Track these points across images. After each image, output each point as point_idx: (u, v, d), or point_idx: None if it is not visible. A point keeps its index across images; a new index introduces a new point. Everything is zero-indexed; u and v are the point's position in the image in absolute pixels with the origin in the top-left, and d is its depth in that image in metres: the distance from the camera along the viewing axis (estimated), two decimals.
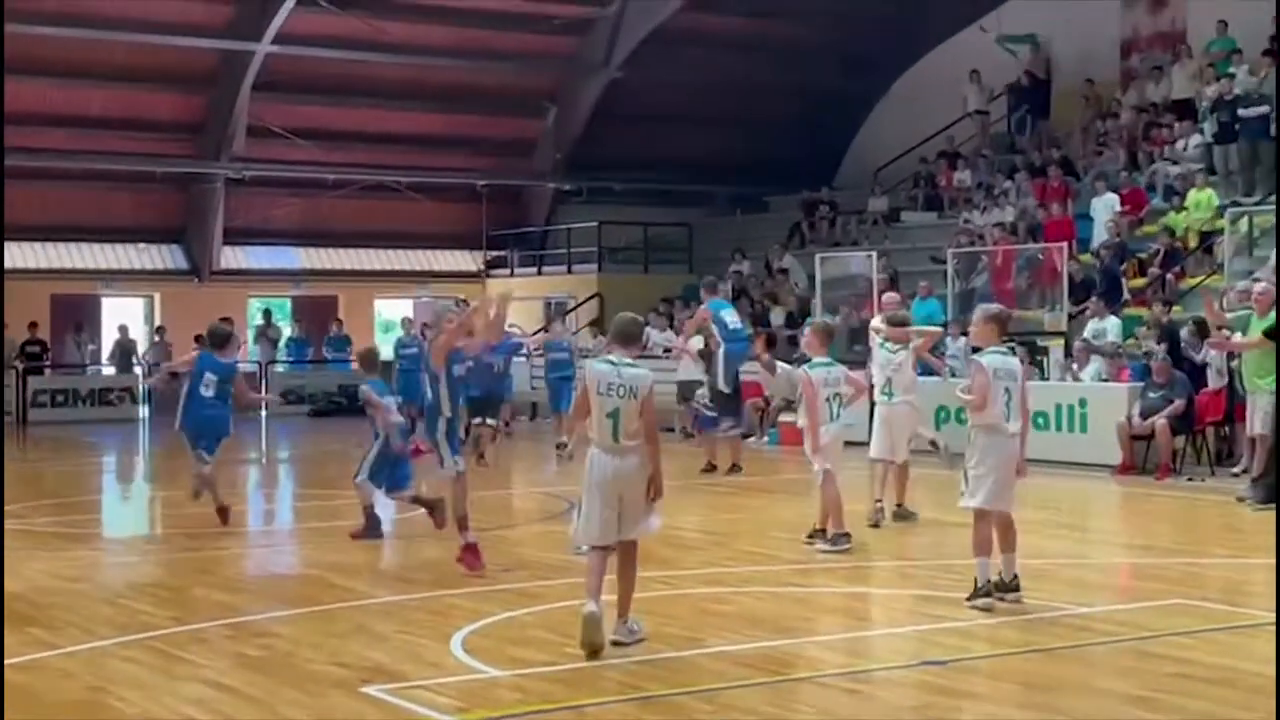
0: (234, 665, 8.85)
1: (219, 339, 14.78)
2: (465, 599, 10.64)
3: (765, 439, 22.93)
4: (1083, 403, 19.32)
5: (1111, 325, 20.97)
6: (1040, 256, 23.02)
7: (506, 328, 23.92)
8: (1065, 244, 22.85)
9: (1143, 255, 23.63)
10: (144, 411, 30.28)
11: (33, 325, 30.25)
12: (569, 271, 33.49)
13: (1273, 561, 11.13)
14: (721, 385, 18.48)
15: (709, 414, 19.15)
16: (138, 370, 31.09)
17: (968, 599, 10.14)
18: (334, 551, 13.08)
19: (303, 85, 31.40)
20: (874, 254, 24.75)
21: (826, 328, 13.67)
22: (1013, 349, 11.27)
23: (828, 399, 12.66)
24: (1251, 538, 13.55)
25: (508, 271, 35.11)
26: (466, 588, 11.04)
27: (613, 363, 9.07)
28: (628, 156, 33.49)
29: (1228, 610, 10.35)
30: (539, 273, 34.61)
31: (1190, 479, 17.83)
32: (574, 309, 32.85)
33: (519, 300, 27.29)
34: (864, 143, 34.82)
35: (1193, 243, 23.23)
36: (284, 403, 29.13)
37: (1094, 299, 21.78)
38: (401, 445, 13.42)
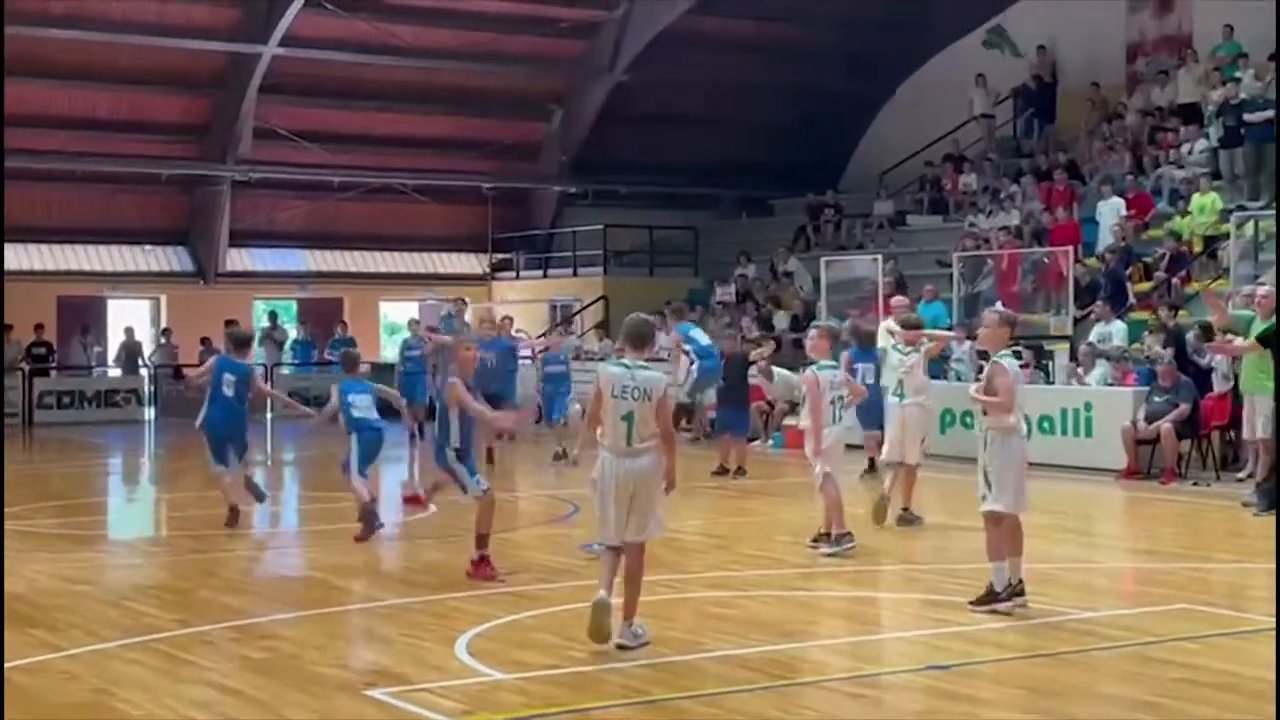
0: (238, 668, 8.86)
1: (240, 341, 15.40)
2: (469, 602, 10.65)
3: (770, 443, 22.93)
4: (1088, 407, 19.31)
5: (1117, 329, 20.96)
6: (1046, 260, 23.02)
7: (514, 332, 24.07)
8: (1071, 248, 22.84)
9: (1148, 259, 23.61)
10: (149, 413, 30.34)
11: (39, 327, 30.28)
12: (574, 274, 33.49)
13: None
14: (683, 397, 18.80)
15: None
16: (143, 372, 31.11)
17: (979, 603, 10.12)
18: (339, 554, 13.09)
19: (309, 88, 31.42)
20: (879, 257, 24.74)
21: (832, 331, 13.70)
22: (1019, 353, 11.25)
23: (831, 401, 12.70)
24: (1256, 543, 13.53)
25: (513, 274, 35.13)
26: (470, 591, 11.05)
27: (626, 365, 9.12)
28: (633, 159, 33.50)
29: (1232, 615, 10.35)
30: (544, 275, 34.61)
31: (1195, 483, 17.80)
32: (579, 312, 32.87)
33: (521, 304, 27.48)
34: (869, 146, 34.80)
35: (1197, 247, 23.21)
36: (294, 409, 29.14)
37: (1099, 303, 21.77)
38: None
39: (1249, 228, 21.68)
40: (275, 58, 30.02)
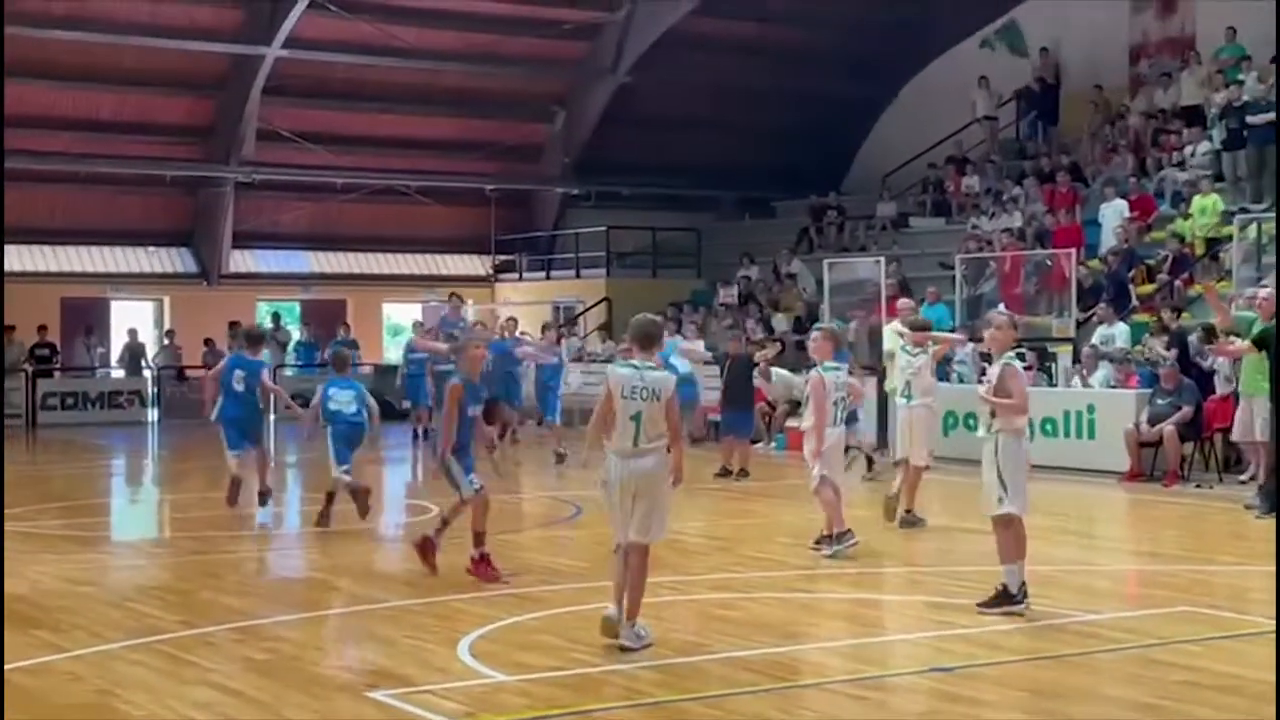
0: (241, 669, 8.86)
1: (253, 338, 16.08)
2: (472, 604, 10.65)
3: (772, 445, 22.93)
4: (1091, 409, 19.31)
5: (1120, 331, 20.96)
6: (1048, 262, 23.01)
7: (518, 334, 24.01)
8: (1073, 250, 22.84)
9: (1151, 261, 23.61)
10: (153, 415, 30.35)
11: (42, 328, 30.30)
12: (577, 276, 33.49)
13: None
14: None
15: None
16: (147, 374, 31.13)
17: (992, 605, 10.13)
18: (341, 555, 13.10)
19: (312, 89, 31.44)
20: (882, 259, 24.73)
21: (834, 333, 13.75)
22: (1022, 354, 11.26)
23: (835, 402, 12.74)
24: (1259, 545, 13.52)
25: (516, 276, 35.13)
26: (473, 592, 11.04)
27: (635, 366, 9.22)
28: (636, 161, 33.50)
29: (1235, 618, 10.33)
30: (547, 277, 34.62)
31: (1198, 486, 17.80)
32: (582, 314, 32.88)
33: (524, 305, 27.44)
34: (872, 148, 34.80)
35: (1200, 249, 23.20)
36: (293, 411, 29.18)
37: (1102, 305, 21.77)
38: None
39: (1251, 230, 21.66)
40: (278, 59, 30.04)
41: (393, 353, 33.49)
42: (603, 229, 32.96)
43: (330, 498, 14.39)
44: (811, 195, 32.38)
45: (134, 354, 31.39)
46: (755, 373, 20.05)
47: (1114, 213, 24.68)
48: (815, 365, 12.98)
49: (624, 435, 9.09)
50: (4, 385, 28.20)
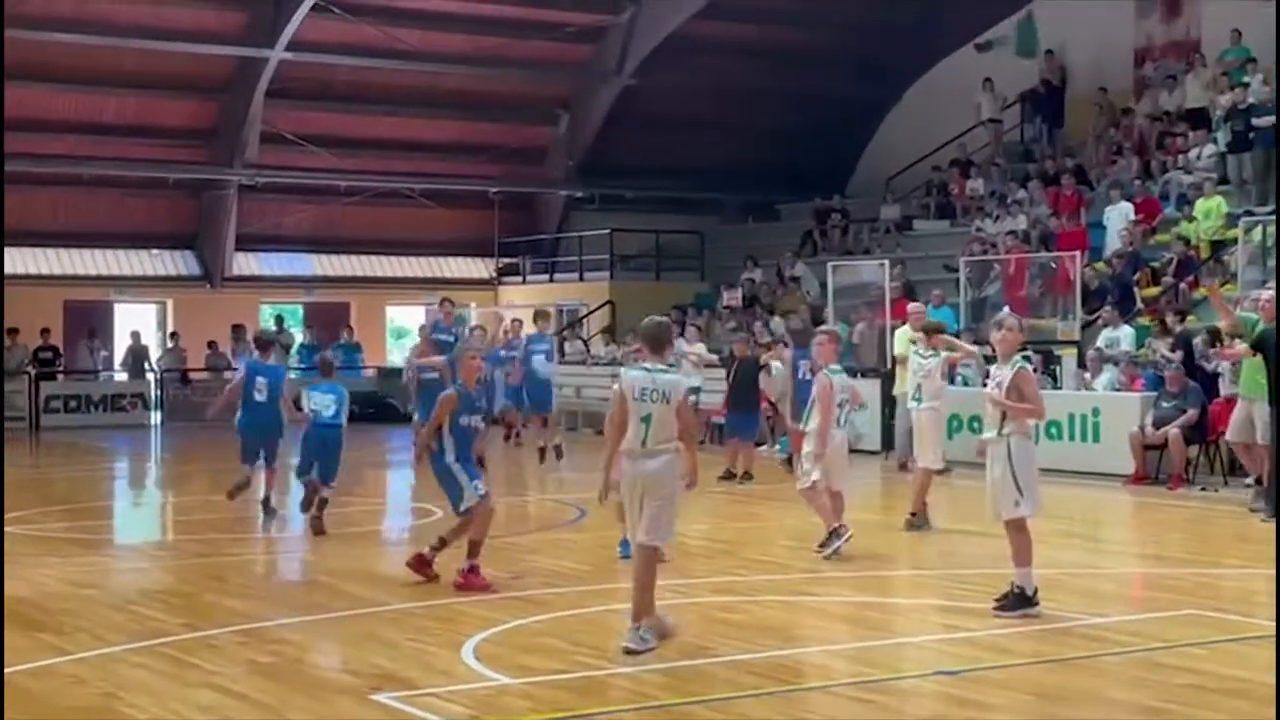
0: (244, 672, 8.85)
1: (261, 343, 16.07)
2: (475, 606, 10.63)
3: (777, 448, 22.89)
4: (1095, 412, 19.28)
5: (1125, 334, 20.93)
6: (1053, 265, 22.99)
7: (523, 336, 23.91)
8: (1078, 253, 22.81)
9: (1156, 264, 23.58)
10: (156, 417, 30.35)
11: (45, 331, 30.30)
12: (581, 279, 33.48)
13: None
14: None
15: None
16: (150, 376, 31.13)
17: (1009, 608, 10.12)
18: (345, 558, 13.08)
19: (316, 92, 31.44)
20: (886, 262, 24.72)
21: (839, 336, 13.78)
22: (1028, 357, 11.23)
23: (839, 404, 12.77)
24: (1264, 548, 13.47)
25: (520, 279, 35.12)
26: (476, 595, 11.02)
27: (648, 369, 9.31)
28: (640, 164, 33.49)
29: (1241, 621, 10.31)
30: (551, 280, 34.60)
31: (1203, 489, 17.77)
32: (585, 317, 32.87)
33: (527, 308, 27.30)
34: (876, 150, 34.78)
35: (1205, 252, 23.17)
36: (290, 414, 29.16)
37: (1107, 308, 21.75)
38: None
39: (1256, 233, 21.63)
40: (282, 62, 30.04)
41: (396, 355, 33.49)
42: (606, 232, 32.94)
43: (310, 502, 14.44)
44: (815, 198, 32.37)
45: (137, 357, 31.38)
46: (766, 361, 20.05)
47: (1119, 215, 24.65)
48: (822, 368, 13.00)
49: (634, 436, 9.19)
50: (2, 387, 28.17)
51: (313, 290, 34.46)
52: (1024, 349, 11.26)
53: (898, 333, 19.29)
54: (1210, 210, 23.53)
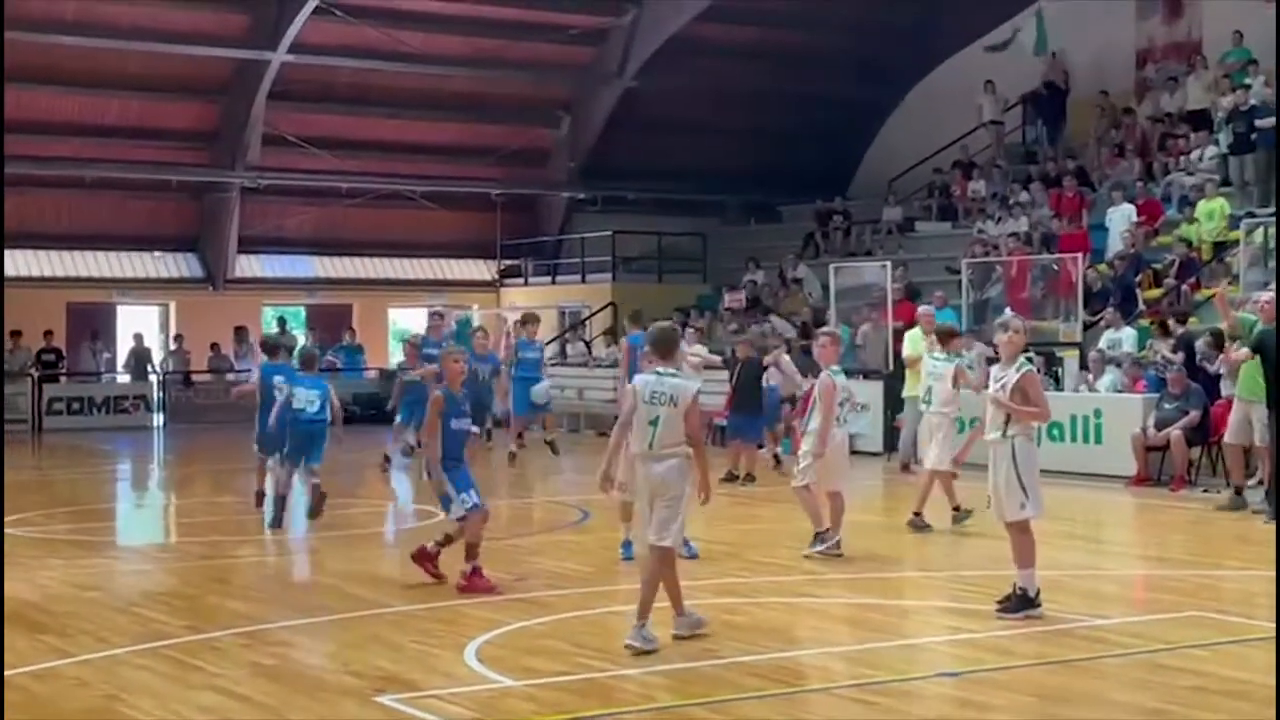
0: (247, 674, 8.86)
1: (268, 347, 16.02)
2: (479, 608, 10.64)
3: (779, 448, 22.88)
4: (1098, 413, 19.29)
5: (1127, 336, 20.94)
6: (1055, 267, 22.99)
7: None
8: (1080, 254, 22.81)
9: (1158, 266, 23.58)
10: (158, 419, 30.37)
11: (48, 333, 30.32)
12: (583, 281, 33.48)
13: None
14: None
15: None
16: (152, 378, 31.15)
17: (1013, 610, 10.13)
18: (348, 560, 13.10)
19: (318, 94, 31.46)
20: (888, 264, 24.72)
21: (840, 337, 13.81)
22: (1030, 359, 11.25)
23: (840, 403, 12.81)
24: (1266, 550, 13.47)
25: (522, 281, 35.14)
26: (480, 597, 11.03)
27: (659, 373, 9.49)
28: (642, 166, 33.50)
29: (1243, 623, 10.31)
30: (553, 282, 34.62)
31: (1205, 490, 17.76)
32: (588, 318, 32.87)
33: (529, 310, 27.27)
34: (878, 152, 34.79)
35: (1206, 254, 23.17)
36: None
37: (1109, 310, 21.75)
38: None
39: (1258, 234, 21.63)
40: (284, 64, 30.06)
41: (398, 357, 33.46)
42: (608, 234, 32.95)
43: (318, 509, 14.53)
44: (817, 200, 32.38)
45: (139, 359, 31.41)
46: (769, 363, 20.04)
47: (1121, 217, 24.65)
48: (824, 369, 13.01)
49: (641, 439, 9.39)
50: (2, 388, 28.18)
51: (315, 292, 34.47)
52: (1026, 351, 11.29)
53: (907, 335, 19.29)
54: (1212, 212, 23.54)
